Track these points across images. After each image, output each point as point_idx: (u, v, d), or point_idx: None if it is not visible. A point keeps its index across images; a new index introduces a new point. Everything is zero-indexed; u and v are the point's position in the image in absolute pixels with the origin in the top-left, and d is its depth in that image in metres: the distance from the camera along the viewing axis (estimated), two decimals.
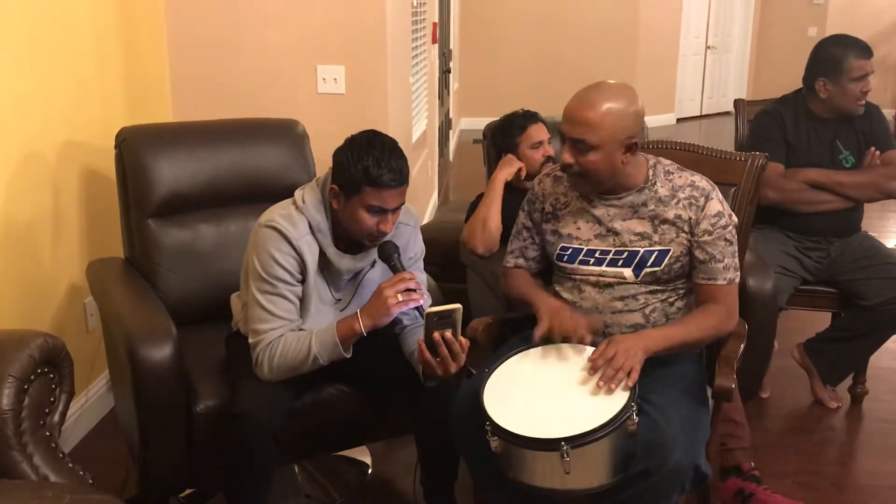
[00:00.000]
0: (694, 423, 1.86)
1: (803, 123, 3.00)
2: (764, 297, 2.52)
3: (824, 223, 2.99)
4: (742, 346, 2.11)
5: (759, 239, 2.95)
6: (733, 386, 1.96)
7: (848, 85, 2.91)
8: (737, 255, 2.03)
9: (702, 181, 2.03)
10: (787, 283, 2.94)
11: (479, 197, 2.87)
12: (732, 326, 2.05)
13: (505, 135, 2.84)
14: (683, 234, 2.00)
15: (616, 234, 2.03)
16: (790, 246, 3.01)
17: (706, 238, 1.98)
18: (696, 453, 1.83)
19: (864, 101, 2.95)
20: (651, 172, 2.03)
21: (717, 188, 2.03)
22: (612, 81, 1.98)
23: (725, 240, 1.99)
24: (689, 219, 1.99)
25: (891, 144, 3.01)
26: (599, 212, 2.05)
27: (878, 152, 2.98)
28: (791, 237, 3.03)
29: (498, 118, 2.97)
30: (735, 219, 2.04)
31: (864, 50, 2.93)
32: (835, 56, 2.92)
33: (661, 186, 2.02)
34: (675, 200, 2.00)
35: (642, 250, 2.01)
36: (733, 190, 2.25)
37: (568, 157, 1.96)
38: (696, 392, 1.99)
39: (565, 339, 1.94)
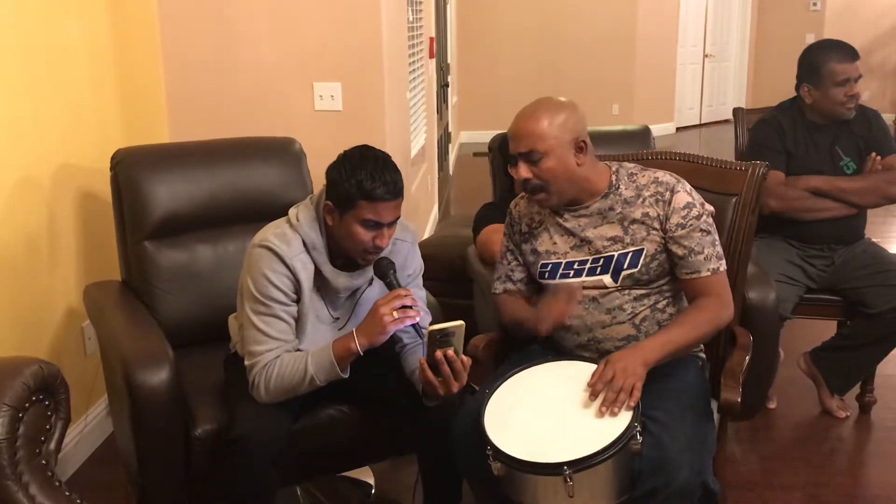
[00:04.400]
0: (700, 439, 1.83)
1: (802, 131, 2.99)
2: (766, 309, 2.50)
3: (827, 231, 2.97)
4: (747, 357, 2.09)
5: (761, 248, 2.93)
6: (739, 399, 1.93)
7: (831, 90, 2.89)
8: (717, 243, 2.00)
9: (665, 176, 2.02)
10: (791, 292, 2.91)
11: (487, 206, 2.87)
12: (729, 316, 2.02)
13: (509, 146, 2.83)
14: (654, 232, 1.98)
15: (589, 242, 2.03)
16: (793, 254, 2.99)
17: (680, 232, 1.97)
18: (704, 470, 1.79)
19: (852, 106, 2.92)
20: (614, 177, 2.04)
21: (683, 181, 2.02)
22: (550, 97, 2.02)
23: (701, 230, 1.97)
24: (658, 215, 1.98)
25: (891, 149, 2.99)
26: (571, 224, 2.05)
27: (878, 157, 2.96)
28: (794, 245, 3.00)
29: (496, 131, 2.96)
30: (709, 207, 2.02)
31: (846, 54, 2.90)
32: (816, 61, 2.92)
33: (626, 188, 2.02)
34: (641, 199, 2.00)
35: (616, 254, 2.00)
36: (734, 200, 2.23)
37: (524, 172, 1.96)
38: (701, 407, 1.96)
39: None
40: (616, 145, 2.85)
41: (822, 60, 2.90)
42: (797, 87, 3.00)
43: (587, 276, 2.02)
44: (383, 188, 1.90)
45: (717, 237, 2.01)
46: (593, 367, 1.86)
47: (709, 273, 1.98)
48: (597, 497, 1.72)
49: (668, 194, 1.98)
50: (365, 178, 1.90)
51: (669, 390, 1.90)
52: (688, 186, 2.02)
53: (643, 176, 2.04)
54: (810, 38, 10.17)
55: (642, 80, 9.80)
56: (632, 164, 2.09)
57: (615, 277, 2.00)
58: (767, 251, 2.95)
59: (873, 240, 3.10)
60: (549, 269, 2.07)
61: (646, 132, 3.41)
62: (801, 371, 3.15)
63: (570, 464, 1.64)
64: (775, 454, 2.88)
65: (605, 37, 9.58)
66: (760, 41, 11.13)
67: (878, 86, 10.19)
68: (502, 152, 2.91)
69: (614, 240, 2.01)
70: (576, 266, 2.04)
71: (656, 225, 1.98)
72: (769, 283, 2.57)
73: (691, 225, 1.97)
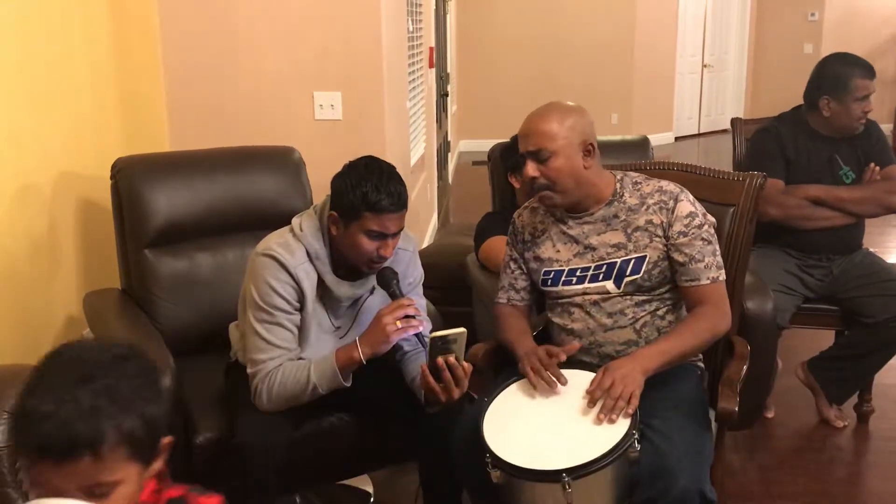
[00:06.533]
0: (697, 447, 1.83)
1: (802, 140, 3.00)
2: (764, 319, 2.51)
3: (825, 240, 2.98)
4: (745, 367, 2.09)
5: (759, 257, 2.93)
6: (736, 409, 1.93)
7: (852, 104, 2.91)
8: (718, 253, 2.03)
9: (669, 185, 2.05)
10: (789, 302, 2.92)
11: (488, 216, 2.89)
12: (727, 325, 2.03)
13: (510, 154, 2.85)
14: (657, 239, 2.00)
15: (593, 249, 2.04)
16: (791, 264, 3.00)
17: (682, 240, 1.99)
18: (701, 479, 1.79)
19: (864, 120, 2.95)
20: (619, 185, 2.07)
21: (686, 190, 2.05)
22: (560, 101, 2.07)
23: (702, 239, 1.99)
24: (661, 223, 2.00)
25: (890, 159, 3.01)
26: (574, 231, 2.07)
27: (877, 168, 2.97)
28: (792, 255, 3.01)
29: (495, 140, 2.97)
30: (711, 218, 2.05)
31: (868, 70, 2.93)
32: (840, 75, 2.92)
33: (630, 196, 2.05)
34: (645, 207, 2.03)
35: (619, 261, 2.02)
36: (732, 210, 2.24)
37: (532, 171, 1.99)
38: (699, 415, 1.97)
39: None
40: (615, 155, 2.86)
41: (848, 74, 2.90)
42: (809, 97, 3.00)
43: (590, 282, 2.04)
44: (388, 200, 1.92)
45: (717, 248, 2.03)
46: (591, 375, 1.87)
47: (708, 281, 1.99)
48: None
49: (671, 202, 2.01)
50: (370, 189, 1.91)
51: (668, 399, 1.91)
52: (691, 196, 2.04)
53: (647, 185, 2.06)
54: (808, 49, 10.21)
55: (641, 89, 9.83)
56: (636, 174, 2.12)
57: (618, 283, 2.02)
58: (765, 261, 2.95)
59: (871, 250, 3.11)
60: (551, 276, 2.09)
61: (644, 142, 3.44)
62: (798, 380, 3.15)
63: (569, 471, 1.65)
64: (773, 463, 2.88)
65: (604, 46, 9.61)
66: (759, 51, 11.16)
67: (877, 96, 10.00)
68: (503, 161, 2.93)
69: (618, 246, 2.02)
70: (578, 273, 2.05)
71: (659, 232, 2.00)
72: (767, 293, 2.58)
73: (693, 233, 1.99)
